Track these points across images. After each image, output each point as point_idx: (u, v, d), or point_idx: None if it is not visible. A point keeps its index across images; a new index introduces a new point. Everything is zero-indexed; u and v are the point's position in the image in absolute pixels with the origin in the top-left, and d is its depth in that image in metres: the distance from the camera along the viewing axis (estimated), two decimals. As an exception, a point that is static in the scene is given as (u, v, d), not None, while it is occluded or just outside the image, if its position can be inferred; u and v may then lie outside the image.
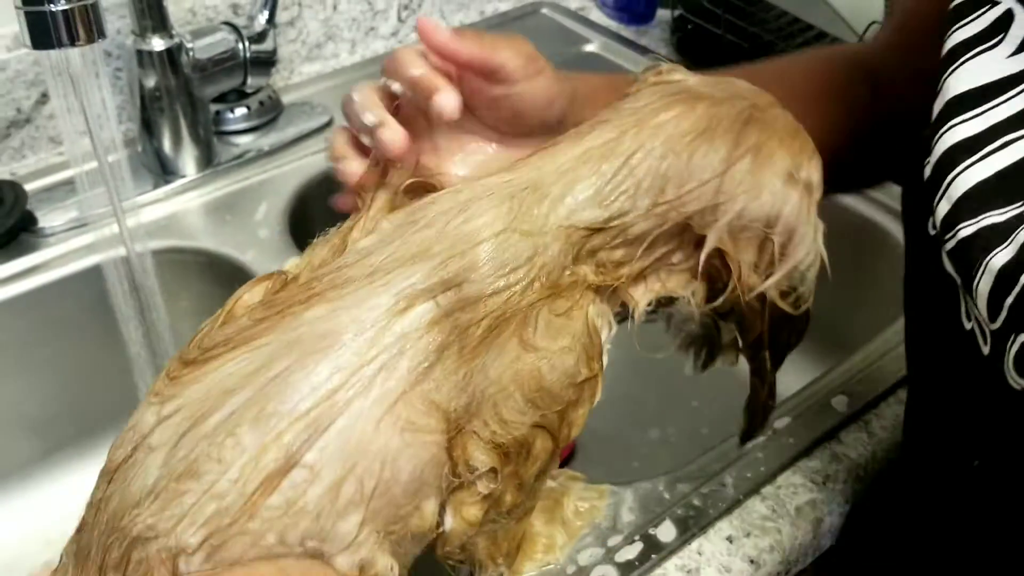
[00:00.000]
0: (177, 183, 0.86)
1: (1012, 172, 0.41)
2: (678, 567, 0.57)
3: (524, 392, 0.44)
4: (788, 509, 0.60)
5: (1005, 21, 0.44)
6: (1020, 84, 0.42)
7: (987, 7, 0.45)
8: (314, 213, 0.87)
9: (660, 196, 0.47)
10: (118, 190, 0.62)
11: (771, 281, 0.48)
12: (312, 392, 0.41)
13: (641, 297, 0.48)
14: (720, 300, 0.48)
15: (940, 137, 0.43)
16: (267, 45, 0.89)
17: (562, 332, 0.45)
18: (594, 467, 0.83)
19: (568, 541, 0.57)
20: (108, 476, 0.43)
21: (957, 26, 0.45)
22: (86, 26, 0.57)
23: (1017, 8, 0.44)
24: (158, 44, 0.80)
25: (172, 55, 0.81)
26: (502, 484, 0.44)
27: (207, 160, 0.87)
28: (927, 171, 0.44)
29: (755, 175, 0.47)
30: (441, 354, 0.43)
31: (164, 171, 0.86)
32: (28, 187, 0.82)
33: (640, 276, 0.48)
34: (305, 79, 1.01)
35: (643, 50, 1.06)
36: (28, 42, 0.57)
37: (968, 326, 0.42)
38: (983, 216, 0.40)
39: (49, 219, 0.80)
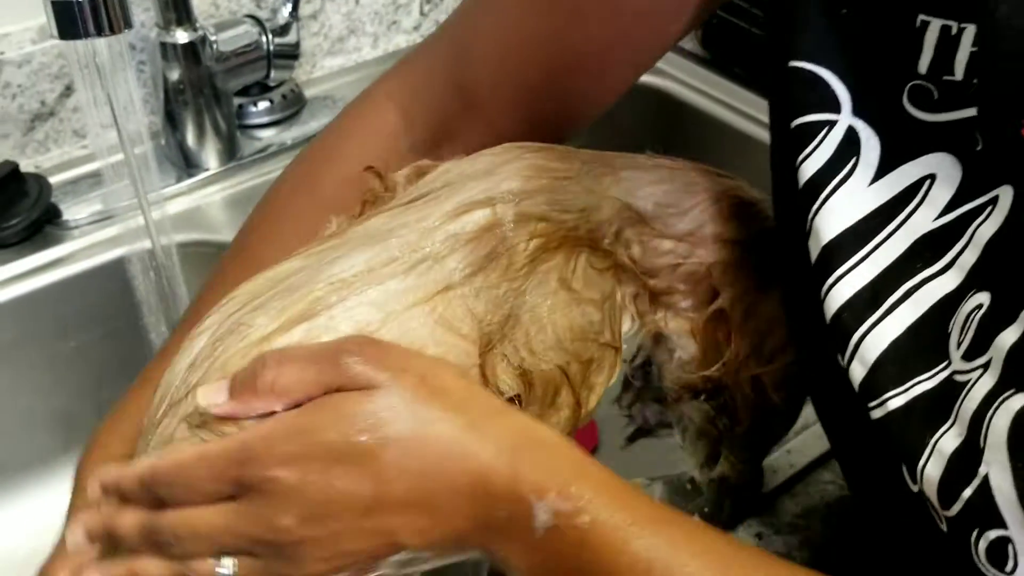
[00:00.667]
0: (200, 176, 0.86)
1: (923, 326, 0.38)
2: (707, 564, 0.56)
3: (555, 328, 0.44)
4: (818, 507, 0.59)
5: (851, 144, 0.40)
6: (894, 217, 0.39)
7: (826, 129, 0.40)
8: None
9: (703, 230, 0.48)
10: (144, 182, 0.62)
11: (770, 368, 0.48)
12: (351, 267, 0.42)
13: (641, 318, 0.48)
14: (713, 368, 0.49)
15: (829, 291, 0.40)
16: (290, 38, 0.89)
17: (595, 285, 0.46)
18: (616, 461, 0.82)
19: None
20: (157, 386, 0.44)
21: (804, 155, 0.41)
22: (113, 16, 0.57)
23: (858, 124, 0.40)
24: (182, 37, 0.80)
25: (195, 48, 0.81)
26: None
27: (230, 154, 0.87)
28: (826, 318, 0.40)
29: None
30: (488, 263, 0.43)
31: (187, 164, 0.86)
32: (51, 180, 0.82)
33: (652, 298, 0.48)
34: (327, 73, 1.00)
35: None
36: (55, 32, 0.57)
37: (915, 489, 0.39)
38: (911, 383, 0.38)
39: (73, 212, 0.80)
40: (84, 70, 0.59)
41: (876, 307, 0.39)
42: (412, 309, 0.41)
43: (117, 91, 0.59)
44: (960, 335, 0.37)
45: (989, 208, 0.37)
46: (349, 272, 0.42)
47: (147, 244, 0.67)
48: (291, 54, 0.90)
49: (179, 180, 0.85)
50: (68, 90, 0.85)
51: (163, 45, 0.80)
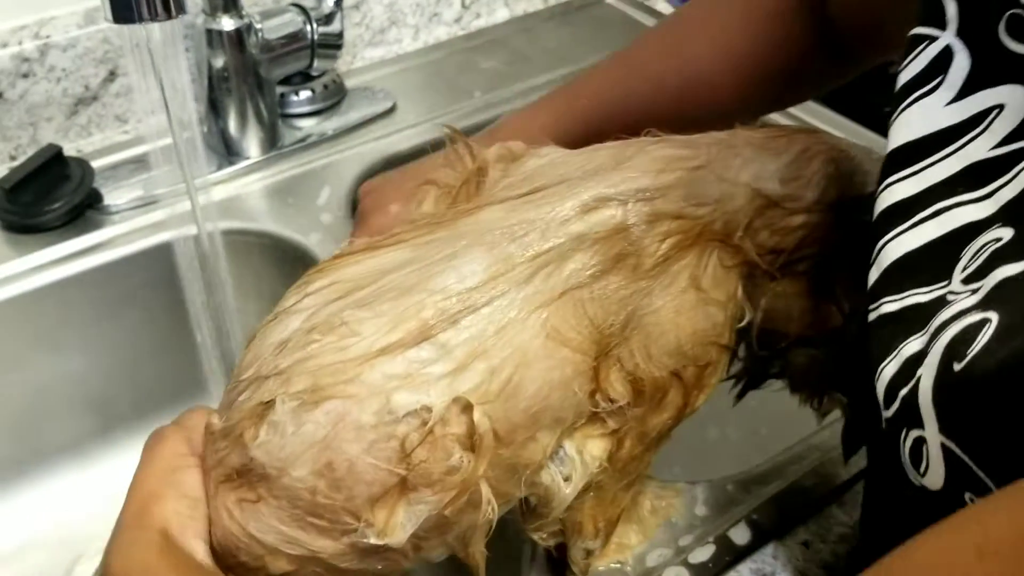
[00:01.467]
0: (241, 164, 0.85)
1: (939, 245, 0.38)
2: (752, 571, 0.55)
3: (677, 332, 0.43)
4: (866, 516, 0.58)
5: (943, 61, 0.40)
6: (955, 141, 0.39)
7: (926, 43, 0.41)
8: (376, 199, 0.87)
9: (824, 195, 0.48)
10: (191, 168, 0.62)
11: None
12: (466, 277, 0.40)
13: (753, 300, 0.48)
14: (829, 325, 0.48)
15: (879, 195, 0.41)
16: (334, 27, 0.89)
17: (721, 285, 0.45)
18: (659, 464, 0.81)
19: (641, 540, 0.55)
20: (249, 340, 0.43)
21: (907, 60, 0.42)
22: (167, 0, 0.57)
23: (956, 44, 0.40)
24: (228, 24, 0.80)
25: (241, 35, 0.81)
26: (627, 425, 0.43)
27: (271, 142, 0.87)
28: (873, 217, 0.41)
29: None
30: (615, 264, 0.42)
31: (228, 152, 0.86)
32: (93, 164, 0.82)
33: (771, 274, 0.48)
34: (368, 64, 1.00)
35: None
36: (109, 16, 0.57)
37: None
38: (908, 293, 0.38)
39: (114, 196, 0.80)
40: (135, 52, 0.59)
41: (906, 219, 0.40)
42: (528, 320, 0.40)
43: (168, 76, 0.59)
44: (968, 261, 0.37)
45: None
46: (465, 284, 0.40)
47: (192, 230, 0.67)
48: (335, 44, 0.89)
49: (220, 168, 0.85)
50: (112, 75, 0.85)
51: (209, 32, 0.80)
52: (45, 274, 0.76)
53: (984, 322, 0.34)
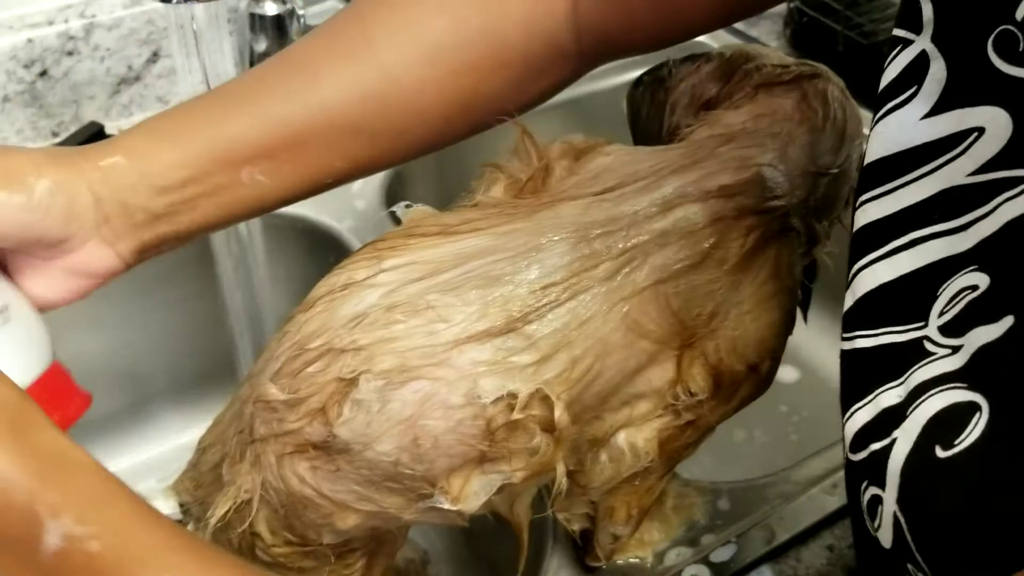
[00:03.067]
0: (278, 149, 0.86)
1: (914, 279, 0.37)
2: (775, 572, 0.55)
3: (758, 325, 0.46)
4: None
5: (918, 68, 0.37)
6: (931, 160, 0.37)
7: (900, 47, 0.38)
8: (410, 188, 0.87)
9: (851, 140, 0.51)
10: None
11: None
12: (551, 272, 0.42)
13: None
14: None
15: (856, 210, 0.39)
16: (375, 16, 0.89)
17: (796, 272, 0.47)
18: (686, 464, 0.81)
19: (663, 538, 0.55)
20: (306, 308, 0.43)
21: (886, 63, 0.39)
22: (212, -18, 0.57)
23: (931, 50, 0.37)
24: (271, 8, 0.81)
25: (283, 20, 0.81)
26: (699, 418, 0.45)
27: (309, 128, 0.87)
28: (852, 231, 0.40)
29: None
30: (703, 258, 0.43)
31: (266, 136, 0.86)
32: (134, 144, 0.83)
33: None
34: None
35: (753, 42, 1.03)
36: (155, -4, 0.57)
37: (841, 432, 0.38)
38: (884, 330, 0.37)
39: (153, 176, 0.81)
40: (179, 32, 0.59)
41: (880, 245, 0.38)
42: (609, 313, 0.42)
43: (211, 58, 0.60)
44: (946, 305, 0.35)
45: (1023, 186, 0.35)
46: (551, 278, 0.42)
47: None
48: (375, 32, 0.90)
49: (257, 151, 0.85)
50: (155, 56, 0.86)
51: (252, 16, 0.81)
52: (83, 250, 0.77)
53: (973, 408, 0.32)
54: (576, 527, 0.50)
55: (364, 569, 0.47)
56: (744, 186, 0.46)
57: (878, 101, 0.39)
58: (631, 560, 0.55)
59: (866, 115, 0.89)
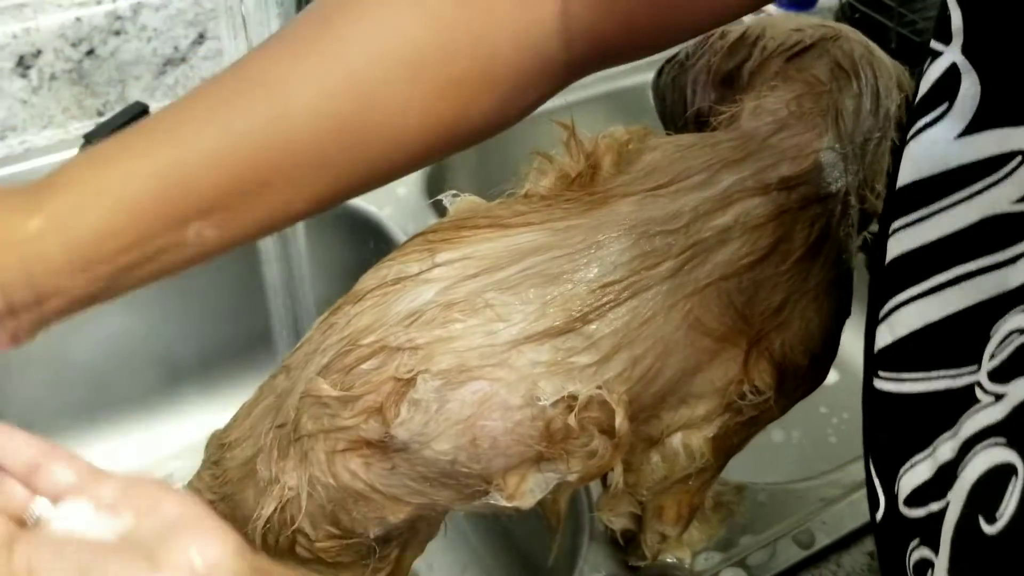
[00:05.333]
0: (320, 134, 0.86)
1: (966, 319, 0.33)
2: (815, 577, 0.54)
3: (824, 311, 0.44)
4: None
5: (949, 83, 0.34)
6: (969, 185, 0.33)
7: (928, 59, 0.35)
8: (451, 175, 0.87)
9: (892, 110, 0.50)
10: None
11: None
12: (611, 270, 0.41)
13: None
14: None
15: (892, 234, 0.36)
16: (421, 2, 0.88)
17: (852, 255, 0.47)
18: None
19: (702, 538, 0.55)
20: (354, 300, 0.42)
21: (922, 71, 0.36)
22: (263, -35, 0.57)
23: (961, 63, 0.34)
24: (317, -8, 0.80)
25: (329, 4, 0.81)
26: (759, 415, 0.45)
27: (351, 113, 0.87)
28: (885, 258, 0.37)
29: None
30: (769, 251, 0.43)
31: (309, 120, 0.86)
32: (177, 125, 0.83)
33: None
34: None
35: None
36: (204, -23, 0.57)
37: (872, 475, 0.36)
38: (938, 374, 0.34)
39: (195, 158, 0.81)
40: (227, 14, 0.59)
41: (922, 278, 0.35)
42: (671, 312, 0.41)
43: (258, 40, 0.59)
44: (996, 347, 0.32)
45: None
46: (612, 276, 0.41)
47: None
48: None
49: (300, 135, 0.85)
50: (201, 38, 0.86)
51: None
52: (125, 230, 0.77)
53: (1010, 471, 0.30)
54: (619, 526, 0.50)
55: (397, 560, 0.47)
56: (806, 175, 0.45)
57: (910, 118, 0.37)
58: (669, 560, 0.54)
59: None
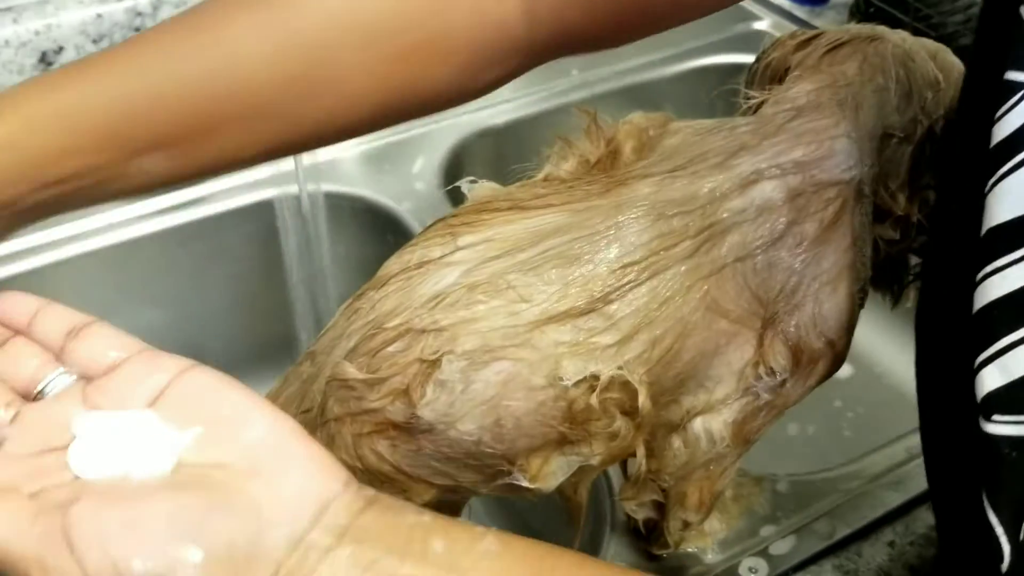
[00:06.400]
0: (339, 129, 0.86)
1: None
2: (835, 567, 0.54)
3: (838, 300, 0.45)
4: (956, 522, 0.57)
5: None
6: None
7: (1020, 94, 0.33)
8: (469, 170, 0.87)
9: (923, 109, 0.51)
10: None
11: None
12: (631, 251, 0.42)
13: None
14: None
15: (984, 280, 0.34)
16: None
17: (867, 242, 0.47)
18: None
19: (723, 528, 0.55)
20: (378, 286, 0.43)
21: (1000, 112, 0.34)
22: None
23: None
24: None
25: None
26: (776, 399, 0.45)
27: (369, 108, 0.87)
28: (973, 307, 0.35)
29: None
30: (784, 234, 0.43)
31: (327, 116, 0.86)
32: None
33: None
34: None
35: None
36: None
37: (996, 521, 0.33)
38: None
39: (216, 153, 0.82)
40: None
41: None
42: (689, 293, 0.42)
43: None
44: None
45: None
46: (631, 257, 0.42)
47: (293, 189, 0.68)
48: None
49: (318, 131, 0.86)
50: (220, 33, 0.86)
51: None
52: (145, 224, 0.78)
53: None
54: (641, 516, 0.50)
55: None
56: (820, 160, 0.46)
57: (994, 153, 0.35)
58: (690, 550, 0.55)
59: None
